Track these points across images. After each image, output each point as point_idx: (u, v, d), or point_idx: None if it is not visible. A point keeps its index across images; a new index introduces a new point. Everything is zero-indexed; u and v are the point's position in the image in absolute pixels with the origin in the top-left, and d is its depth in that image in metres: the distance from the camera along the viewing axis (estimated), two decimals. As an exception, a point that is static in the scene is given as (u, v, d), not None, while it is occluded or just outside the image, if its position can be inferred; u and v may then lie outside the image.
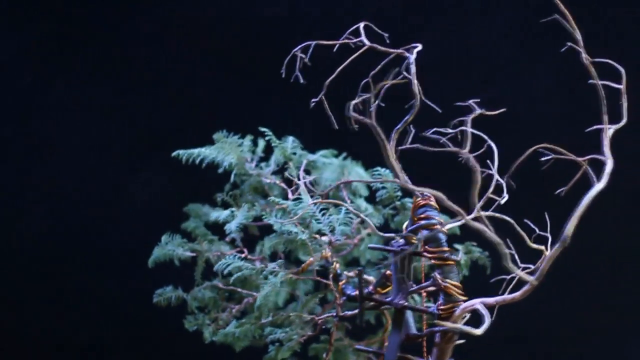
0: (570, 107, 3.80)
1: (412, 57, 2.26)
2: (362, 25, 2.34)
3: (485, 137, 2.40)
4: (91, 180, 3.59)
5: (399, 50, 2.28)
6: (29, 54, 3.52)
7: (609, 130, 2.13)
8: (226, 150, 2.55)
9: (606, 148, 2.10)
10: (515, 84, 3.72)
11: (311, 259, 2.48)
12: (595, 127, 2.16)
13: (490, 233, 1.90)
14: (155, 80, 3.58)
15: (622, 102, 2.17)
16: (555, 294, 4.00)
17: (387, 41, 2.37)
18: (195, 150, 2.56)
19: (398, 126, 2.27)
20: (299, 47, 2.30)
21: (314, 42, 2.31)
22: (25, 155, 3.56)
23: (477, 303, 2.11)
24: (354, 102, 1.93)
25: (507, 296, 2.11)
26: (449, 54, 3.74)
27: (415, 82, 2.22)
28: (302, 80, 2.27)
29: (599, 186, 2.02)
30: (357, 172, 2.73)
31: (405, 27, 3.68)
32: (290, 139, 2.65)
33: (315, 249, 2.38)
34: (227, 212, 2.49)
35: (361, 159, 2.82)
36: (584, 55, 2.15)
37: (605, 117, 2.12)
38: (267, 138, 2.59)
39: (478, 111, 2.15)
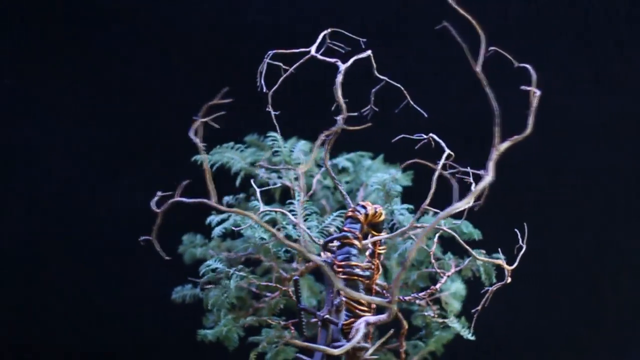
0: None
1: (342, 67, 2.24)
2: (322, 33, 2.35)
3: (443, 143, 2.33)
4: (74, 184, 3.62)
5: (332, 60, 2.27)
6: (10, 58, 3.58)
7: (502, 144, 1.97)
8: (235, 155, 2.64)
9: (491, 163, 1.94)
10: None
11: (310, 263, 2.52)
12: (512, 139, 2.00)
13: (316, 258, 1.88)
14: (141, 85, 3.59)
15: (530, 111, 2.00)
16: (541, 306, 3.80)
17: (363, 46, 2.36)
18: (216, 156, 2.69)
19: (330, 137, 2.27)
20: (266, 55, 2.36)
21: (272, 52, 2.35)
22: (6, 160, 3.63)
23: (362, 321, 2.09)
24: (196, 124, 1.97)
25: (381, 316, 2.07)
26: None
27: (339, 93, 2.21)
28: (265, 89, 2.33)
29: (457, 205, 1.89)
30: (391, 174, 2.69)
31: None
32: (301, 142, 2.69)
33: (276, 254, 2.43)
34: (220, 216, 2.58)
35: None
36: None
37: (497, 129, 1.97)
38: (270, 142, 2.64)
39: (339, 125, 2.09)
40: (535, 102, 2.00)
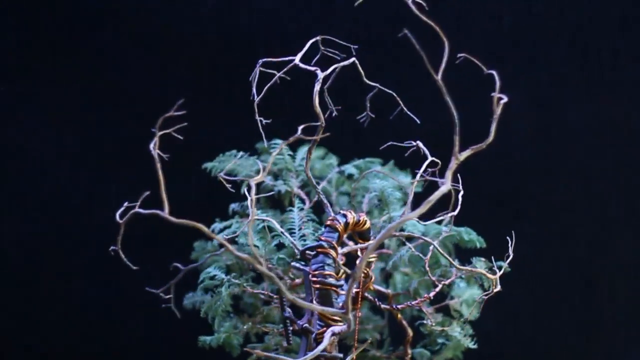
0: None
1: (320, 76, 2.23)
2: (310, 41, 2.34)
3: (426, 150, 2.30)
4: (74, 184, 3.62)
5: (312, 68, 2.26)
6: (6, 58, 3.57)
7: (462, 153, 1.93)
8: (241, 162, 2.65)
9: (449, 172, 1.90)
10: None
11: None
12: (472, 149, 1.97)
13: (264, 269, 1.89)
14: (139, 88, 3.58)
15: (494, 117, 1.96)
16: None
17: (354, 53, 2.35)
18: (224, 164, 2.70)
19: (310, 145, 2.27)
20: (257, 63, 2.36)
21: (262, 60, 2.36)
22: (6, 161, 3.62)
23: (329, 331, 2.09)
24: (155, 138, 2.00)
25: (343, 327, 2.06)
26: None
27: (316, 101, 2.20)
28: (257, 97, 2.33)
29: (409, 215, 1.86)
30: (400, 180, 2.67)
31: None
32: (304, 150, 2.68)
33: (270, 262, 2.44)
34: (223, 223, 2.60)
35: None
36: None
37: (456, 138, 1.93)
38: (271, 149, 2.63)
39: (297, 135, 2.09)
40: (499, 109, 1.95)
